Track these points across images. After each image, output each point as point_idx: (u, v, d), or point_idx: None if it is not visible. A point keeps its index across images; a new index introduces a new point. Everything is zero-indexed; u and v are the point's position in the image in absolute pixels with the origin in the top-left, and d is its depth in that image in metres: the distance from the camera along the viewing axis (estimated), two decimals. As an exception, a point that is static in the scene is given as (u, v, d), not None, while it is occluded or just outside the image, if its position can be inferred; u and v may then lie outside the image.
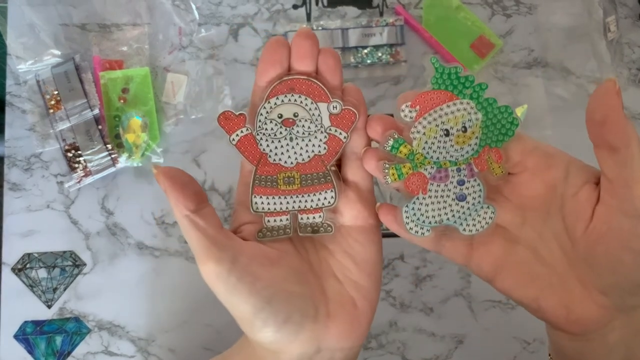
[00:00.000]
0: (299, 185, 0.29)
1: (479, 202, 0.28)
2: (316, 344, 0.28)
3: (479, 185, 0.28)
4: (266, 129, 0.28)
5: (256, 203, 0.29)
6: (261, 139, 0.28)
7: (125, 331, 0.51)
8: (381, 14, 0.58)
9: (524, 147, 0.28)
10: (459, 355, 0.52)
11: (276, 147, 0.29)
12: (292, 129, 0.28)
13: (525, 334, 0.53)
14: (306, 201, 0.29)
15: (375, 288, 0.30)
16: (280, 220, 0.29)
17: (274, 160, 0.29)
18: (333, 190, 0.29)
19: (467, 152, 0.28)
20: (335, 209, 0.29)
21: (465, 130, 0.27)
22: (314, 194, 0.29)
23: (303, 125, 0.28)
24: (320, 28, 0.56)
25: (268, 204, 0.29)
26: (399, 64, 0.56)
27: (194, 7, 0.56)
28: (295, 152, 0.29)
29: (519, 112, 0.55)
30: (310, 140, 0.29)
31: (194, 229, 0.26)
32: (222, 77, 0.56)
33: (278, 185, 0.29)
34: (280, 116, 0.28)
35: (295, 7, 0.57)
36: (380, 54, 0.56)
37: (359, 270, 0.29)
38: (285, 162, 0.29)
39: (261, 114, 0.28)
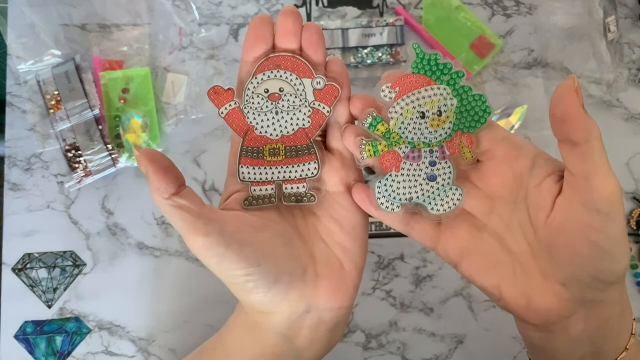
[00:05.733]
0: (283, 157, 0.30)
1: (448, 183, 0.29)
2: (305, 302, 0.29)
3: (449, 167, 0.29)
4: (253, 103, 0.30)
5: (243, 173, 0.30)
6: (248, 112, 0.30)
7: (126, 331, 0.51)
8: (381, 14, 0.58)
9: (495, 135, 0.28)
10: (459, 355, 0.52)
11: (262, 120, 0.30)
12: (278, 103, 0.30)
13: (526, 334, 0.53)
14: (290, 172, 0.31)
15: (361, 251, 0.31)
16: (266, 189, 0.31)
17: (260, 132, 0.30)
18: (316, 161, 0.30)
19: (441, 135, 0.29)
20: (319, 179, 0.31)
21: (440, 114, 0.28)
22: (298, 165, 0.31)
23: (288, 100, 0.30)
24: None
25: (254, 173, 0.30)
26: (399, 64, 0.56)
27: (194, 7, 0.56)
28: (280, 125, 0.30)
29: (519, 112, 0.55)
30: (295, 114, 0.30)
31: (178, 209, 0.26)
32: (222, 77, 0.56)
33: (264, 156, 0.30)
34: (267, 91, 0.30)
35: (295, 7, 0.57)
36: (380, 54, 0.56)
37: (344, 233, 0.30)
38: (271, 134, 0.30)
39: (248, 89, 0.30)
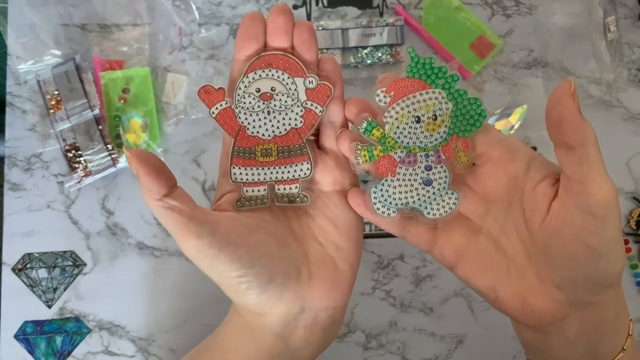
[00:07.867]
0: (276, 157, 0.30)
1: (444, 187, 0.29)
2: (300, 303, 0.29)
3: (445, 171, 0.29)
4: (244, 103, 0.29)
5: (234, 174, 0.30)
6: (240, 112, 0.29)
7: (126, 331, 0.51)
8: (381, 14, 0.58)
9: (490, 139, 0.28)
10: (459, 355, 0.52)
11: (254, 120, 0.30)
12: (270, 102, 0.29)
13: (525, 334, 0.53)
14: (283, 172, 0.30)
15: (356, 250, 0.31)
16: (258, 190, 0.30)
17: (252, 132, 0.30)
18: (309, 162, 0.30)
19: (436, 139, 0.29)
20: (313, 179, 0.30)
21: (435, 118, 0.28)
22: (291, 166, 0.30)
23: (280, 99, 0.29)
24: (320, 28, 0.56)
25: (246, 174, 0.30)
26: (398, 64, 0.56)
27: (194, 7, 0.56)
28: (272, 125, 0.30)
29: (519, 112, 0.55)
30: (287, 113, 0.30)
31: (169, 211, 0.26)
32: (222, 77, 0.56)
33: (256, 156, 0.30)
34: (258, 90, 0.29)
35: (295, 7, 0.57)
36: (380, 54, 0.56)
37: (339, 232, 0.30)
38: (263, 134, 0.30)
39: (240, 88, 0.29)
